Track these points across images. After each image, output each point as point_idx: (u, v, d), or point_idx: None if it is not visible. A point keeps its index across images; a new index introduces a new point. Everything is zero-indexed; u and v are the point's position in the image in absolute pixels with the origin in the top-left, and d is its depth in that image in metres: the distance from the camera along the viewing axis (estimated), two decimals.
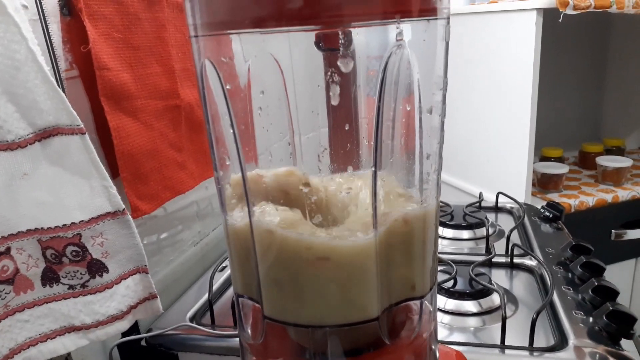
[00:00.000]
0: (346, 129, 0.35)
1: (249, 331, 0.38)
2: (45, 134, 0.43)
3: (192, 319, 0.72)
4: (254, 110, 0.35)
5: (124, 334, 0.73)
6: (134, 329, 0.73)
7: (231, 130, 0.32)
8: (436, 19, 0.31)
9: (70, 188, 0.44)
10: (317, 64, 0.36)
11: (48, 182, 0.44)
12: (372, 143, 0.31)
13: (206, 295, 0.77)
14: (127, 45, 0.70)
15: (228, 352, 0.66)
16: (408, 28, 0.29)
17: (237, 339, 0.67)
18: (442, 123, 0.35)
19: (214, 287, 0.79)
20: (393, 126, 0.35)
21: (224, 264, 0.89)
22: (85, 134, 0.45)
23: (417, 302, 0.36)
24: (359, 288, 0.32)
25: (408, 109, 0.35)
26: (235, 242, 0.37)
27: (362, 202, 0.34)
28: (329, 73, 0.34)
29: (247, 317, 0.38)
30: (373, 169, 0.31)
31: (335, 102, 0.34)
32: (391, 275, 0.33)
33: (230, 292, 0.82)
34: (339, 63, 0.33)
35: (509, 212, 1.10)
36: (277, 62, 0.36)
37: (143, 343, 0.70)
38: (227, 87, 0.31)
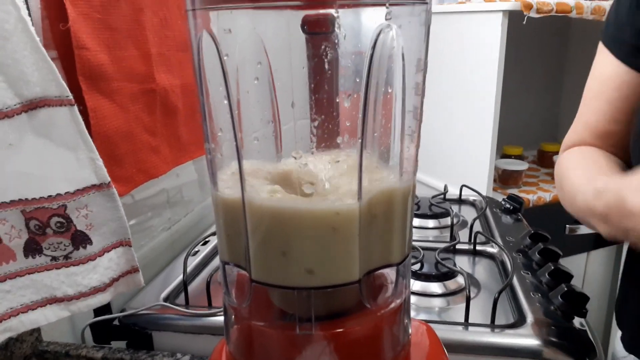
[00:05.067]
0: (330, 108, 0.37)
1: (234, 296, 0.40)
2: (32, 105, 0.44)
3: (165, 300, 0.73)
4: (242, 87, 0.37)
5: (97, 314, 0.73)
6: (107, 309, 0.73)
7: (225, 102, 0.34)
8: (420, 3, 0.34)
9: (57, 159, 0.45)
10: (302, 47, 0.38)
11: (34, 153, 0.44)
12: (360, 115, 0.33)
13: (180, 277, 0.78)
14: (105, 26, 0.70)
15: (202, 330, 0.67)
16: (395, 10, 0.32)
17: (212, 319, 0.68)
18: (422, 103, 0.38)
19: (187, 270, 0.80)
20: (375, 106, 0.38)
21: (196, 249, 0.90)
22: (74, 105, 0.45)
23: (394, 269, 0.39)
24: (343, 252, 0.35)
25: (390, 90, 0.38)
26: (224, 213, 0.38)
27: (348, 173, 0.36)
28: (313, 54, 0.36)
29: (233, 283, 0.40)
30: (360, 140, 0.33)
31: (319, 83, 0.37)
32: (372, 242, 0.36)
33: (203, 274, 0.83)
34: (320, 47, 0.35)
35: (472, 204, 1.15)
36: (262, 42, 0.38)
37: (116, 323, 0.70)
38: (225, 57, 0.33)
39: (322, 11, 0.35)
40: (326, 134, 0.39)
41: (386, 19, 0.31)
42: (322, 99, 0.38)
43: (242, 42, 0.35)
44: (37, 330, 0.69)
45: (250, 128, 0.39)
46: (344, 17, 0.34)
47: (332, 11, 0.33)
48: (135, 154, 0.78)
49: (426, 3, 0.35)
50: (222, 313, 0.67)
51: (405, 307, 0.41)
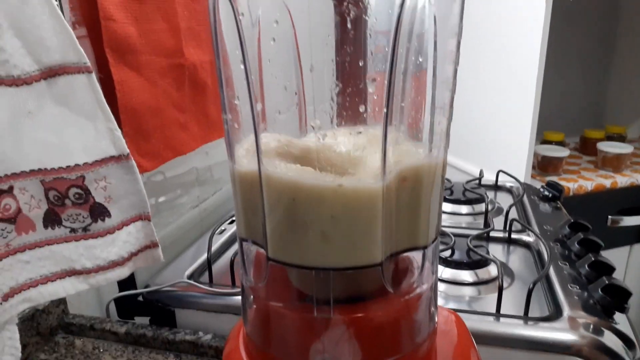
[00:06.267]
0: (356, 75, 0.35)
1: (252, 275, 0.38)
2: (51, 73, 0.43)
3: (190, 277, 0.72)
4: (263, 52, 0.35)
5: (121, 289, 0.73)
6: (131, 284, 0.73)
7: (242, 67, 0.32)
8: None
9: (75, 129, 0.44)
10: (328, 14, 0.36)
11: (53, 122, 0.43)
12: (386, 82, 0.30)
13: (204, 256, 0.77)
14: None
15: (225, 309, 0.66)
16: None
17: (235, 297, 0.67)
18: (455, 71, 0.35)
19: (213, 249, 0.79)
20: (405, 73, 0.35)
21: (222, 227, 0.89)
22: (92, 72, 0.44)
23: (420, 252, 0.36)
24: (364, 232, 0.32)
25: (421, 59, 0.35)
26: (241, 187, 0.37)
27: (371, 147, 0.34)
28: (340, 19, 0.33)
29: (250, 262, 0.38)
30: (385, 110, 0.31)
31: (345, 49, 0.34)
32: (396, 222, 0.33)
33: (228, 253, 0.82)
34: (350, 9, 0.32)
35: (509, 190, 1.10)
36: (288, 9, 0.36)
37: (140, 299, 0.70)
38: (240, 17, 0.31)
39: None
40: (350, 105, 0.36)
41: None
42: (348, 68, 0.35)
43: (264, 10, 0.33)
44: (64, 303, 0.70)
45: (270, 99, 0.37)
46: None
47: None
48: (162, 130, 0.78)
49: None
50: None
51: (431, 293, 0.39)
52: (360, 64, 0.33)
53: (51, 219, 0.45)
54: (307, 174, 0.32)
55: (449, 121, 0.36)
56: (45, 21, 0.41)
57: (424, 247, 0.36)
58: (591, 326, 0.58)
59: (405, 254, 0.36)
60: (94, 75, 0.44)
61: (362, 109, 0.33)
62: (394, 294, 0.36)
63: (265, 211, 0.34)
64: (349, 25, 0.31)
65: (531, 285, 0.61)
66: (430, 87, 0.34)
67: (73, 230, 0.46)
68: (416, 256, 0.37)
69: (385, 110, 0.31)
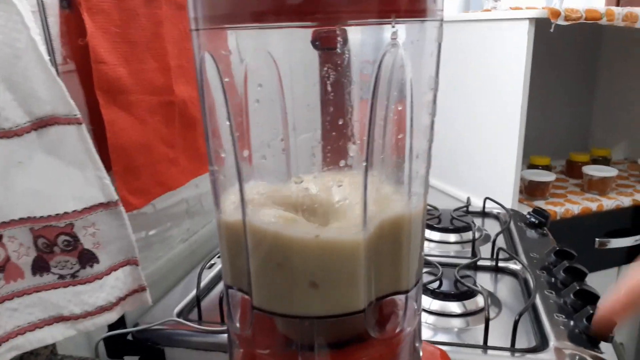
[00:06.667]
0: (339, 125, 0.36)
1: (238, 322, 0.38)
2: (42, 123, 0.44)
3: (179, 315, 0.72)
4: (250, 106, 0.36)
5: (111, 328, 0.73)
6: (121, 323, 0.73)
7: (227, 123, 0.33)
8: (430, 20, 0.32)
9: (65, 178, 0.45)
10: (313, 63, 0.37)
11: (43, 171, 0.44)
12: (365, 139, 0.31)
13: (194, 292, 0.77)
14: (124, 40, 0.70)
15: (214, 347, 0.66)
16: (402, 28, 0.30)
17: (224, 335, 0.67)
18: (433, 122, 0.36)
19: (202, 284, 0.79)
20: (385, 125, 0.36)
21: (212, 262, 0.89)
22: (82, 124, 0.45)
23: (403, 296, 0.37)
24: (346, 280, 0.33)
25: (399, 108, 0.36)
26: (226, 235, 0.37)
27: (353, 197, 0.35)
28: (325, 70, 0.35)
29: (236, 308, 0.39)
30: (364, 163, 0.32)
31: (329, 100, 0.35)
32: (378, 269, 0.34)
33: (218, 289, 0.82)
34: (333, 62, 0.34)
35: (496, 217, 1.11)
36: (274, 60, 0.37)
37: (129, 337, 0.70)
38: (226, 80, 0.32)
39: (327, 28, 0.34)
40: (334, 155, 0.37)
41: (391, 39, 0.30)
42: (330, 119, 0.36)
43: (246, 62, 0.34)
44: (52, 344, 0.70)
45: (256, 148, 0.38)
46: (353, 34, 0.32)
47: (337, 29, 0.32)
48: (152, 166, 0.78)
49: (437, 20, 0.33)
50: None
51: (415, 332, 0.39)
52: (340, 123, 0.34)
53: (40, 266, 0.46)
54: (287, 225, 0.33)
55: (428, 168, 0.38)
56: (37, 75, 0.42)
57: (406, 292, 0.37)
58: (577, 357, 0.59)
59: (389, 298, 0.37)
60: (83, 127, 0.46)
61: (342, 163, 0.34)
62: (378, 338, 0.36)
63: (249, 260, 0.35)
64: (329, 88, 0.33)
65: (517, 317, 0.62)
66: (408, 138, 0.36)
67: (61, 276, 0.47)
68: (399, 300, 0.38)
69: (364, 163, 0.32)
